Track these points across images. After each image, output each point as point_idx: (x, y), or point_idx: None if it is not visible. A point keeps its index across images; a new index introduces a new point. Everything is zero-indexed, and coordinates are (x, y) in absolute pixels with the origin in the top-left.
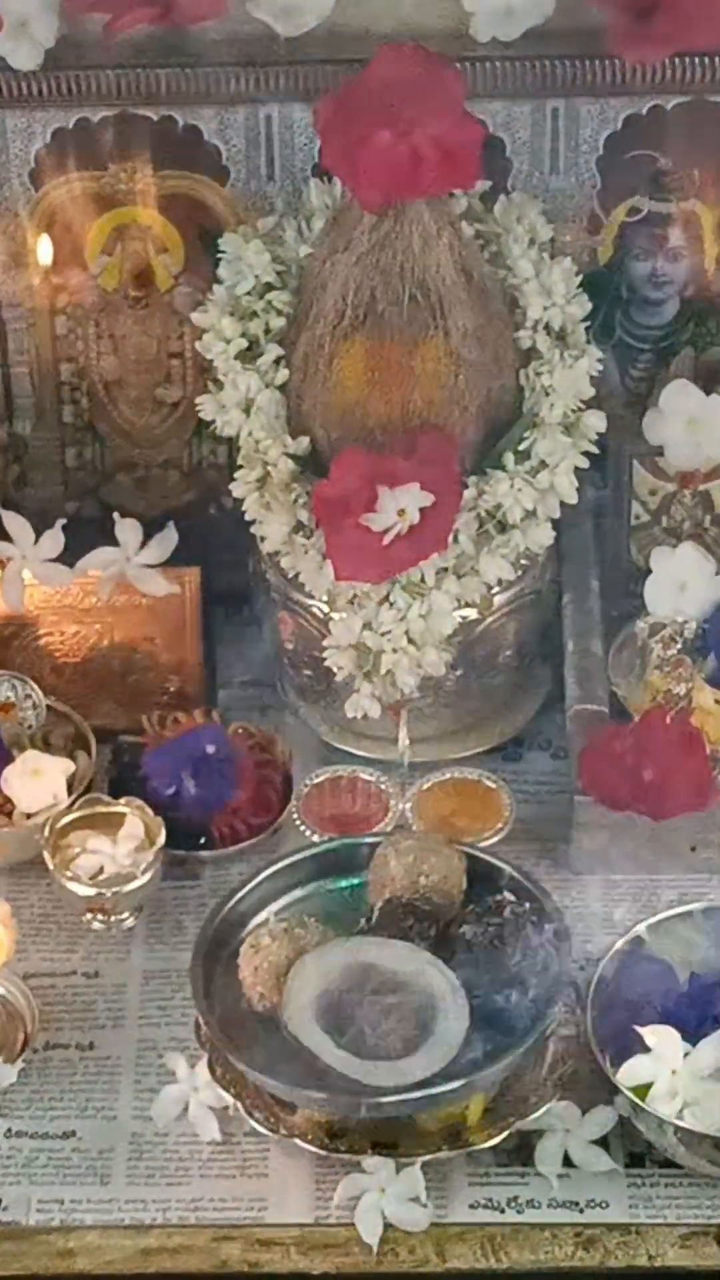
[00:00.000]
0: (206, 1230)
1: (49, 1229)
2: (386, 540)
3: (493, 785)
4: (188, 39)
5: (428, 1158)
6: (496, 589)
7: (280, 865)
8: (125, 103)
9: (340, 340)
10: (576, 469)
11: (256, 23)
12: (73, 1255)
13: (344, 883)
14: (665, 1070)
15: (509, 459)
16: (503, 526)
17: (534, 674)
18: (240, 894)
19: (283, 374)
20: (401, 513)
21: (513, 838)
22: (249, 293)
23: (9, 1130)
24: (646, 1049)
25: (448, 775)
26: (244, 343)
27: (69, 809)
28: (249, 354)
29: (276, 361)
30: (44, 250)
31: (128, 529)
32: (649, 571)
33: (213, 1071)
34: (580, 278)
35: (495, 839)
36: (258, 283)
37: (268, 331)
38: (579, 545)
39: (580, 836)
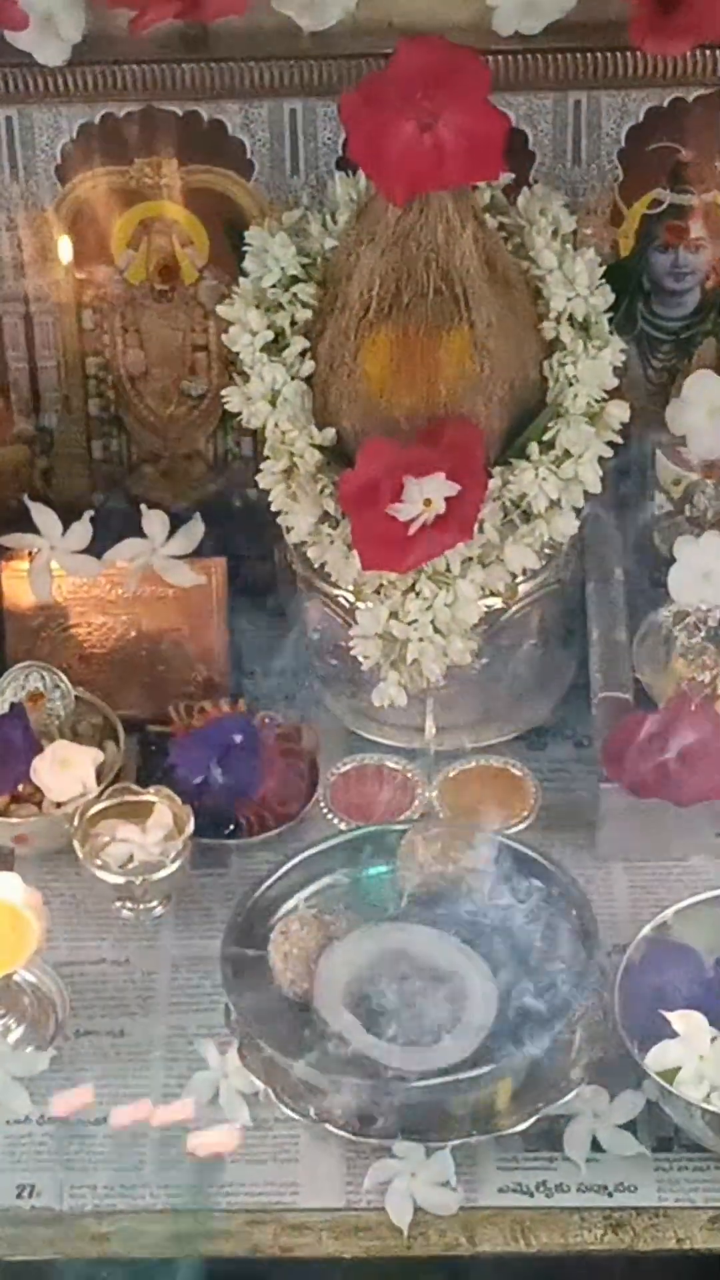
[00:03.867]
0: (238, 1215)
1: (83, 1214)
2: (412, 530)
3: (518, 773)
4: (212, 33)
5: (457, 1142)
6: (521, 578)
7: (310, 852)
8: (150, 97)
9: (366, 332)
10: (600, 459)
11: (280, 16)
12: (107, 1240)
13: (373, 870)
14: (693, 1055)
15: (533, 449)
16: (527, 516)
17: (557, 662)
18: (270, 881)
19: (308, 366)
20: (427, 502)
21: (538, 825)
22: (274, 285)
23: (42, 1116)
24: (674, 1034)
25: (473, 763)
26: (270, 335)
27: (98, 798)
28: (275, 346)
29: (302, 353)
30: (70, 245)
31: (155, 521)
32: (672, 560)
33: (243, 1057)
34: (603, 269)
35: (521, 826)
36: (283, 275)
37: (293, 324)
38: (602, 534)
39: (605, 824)
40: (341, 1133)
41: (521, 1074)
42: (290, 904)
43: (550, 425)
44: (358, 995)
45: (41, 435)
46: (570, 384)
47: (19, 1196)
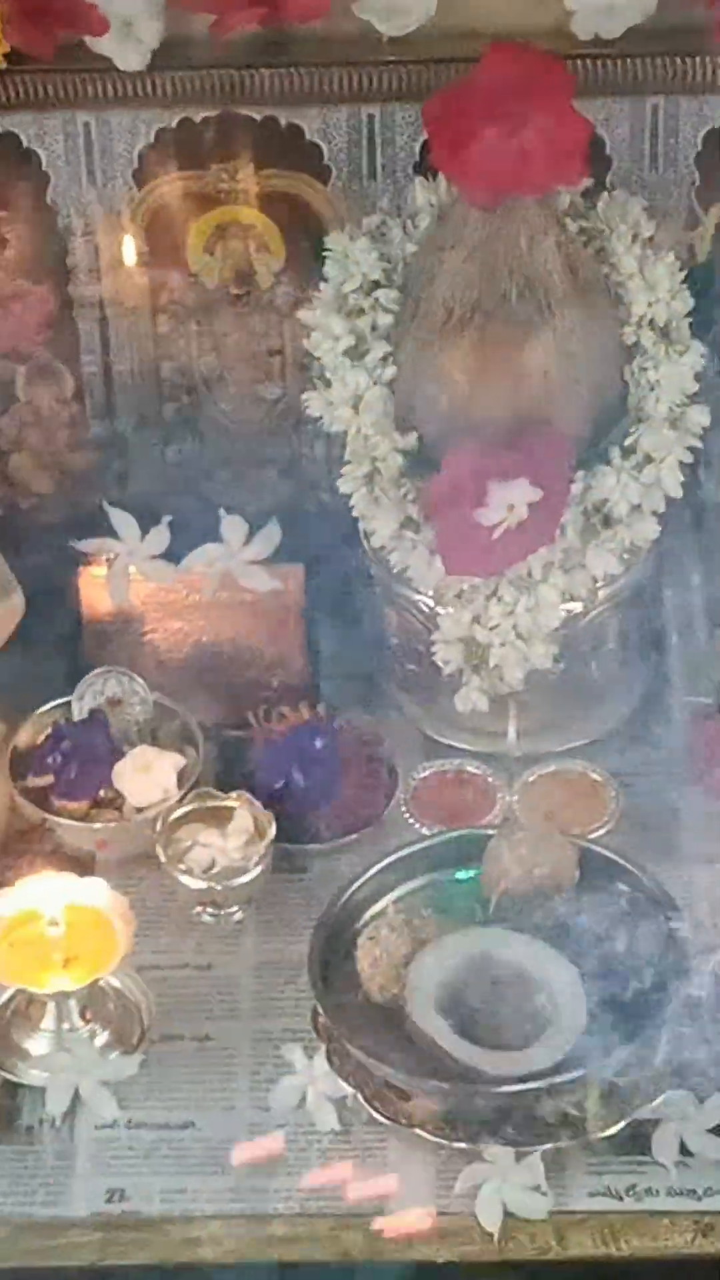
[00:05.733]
0: (327, 1219)
1: (172, 1219)
2: (496, 535)
3: (598, 778)
4: (291, 39)
5: (547, 1146)
6: (601, 583)
7: (397, 856)
8: (228, 102)
9: (448, 337)
10: (680, 463)
11: (360, 21)
12: (197, 1244)
13: (458, 875)
14: None
15: (615, 454)
16: (608, 520)
17: (637, 667)
18: (357, 884)
19: (390, 371)
20: (511, 507)
21: (618, 830)
22: (356, 290)
23: (130, 1120)
24: None
25: (553, 768)
26: (351, 340)
27: (180, 803)
28: (356, 351)
29: (384, 358)
30: (146, 249)
31: (233, 526)
32: None
33: (331, 1062)
34: (684, 274)
35: (601, 831)
36: (365, 280)
37: (374, 329)
38: (681, 538)
39: (689, 828)
40: (431, 1137)
41: (610, 1078)
42: (377, 907)
43: (631, 430)
44: (448, 1000)
45: (116, 440)
46: (651, 389)
47: (109, 1201)
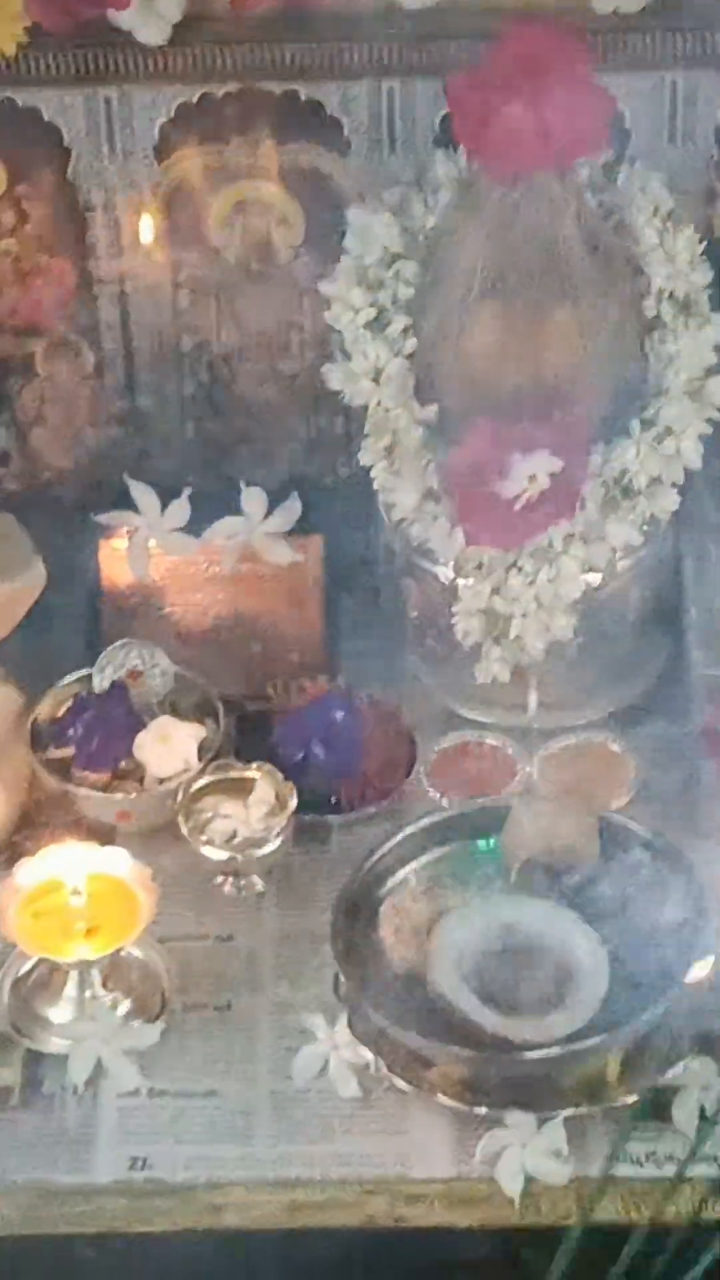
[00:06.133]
0: (352, 1185)
1: (196, 1186)
2: (517, 506)
3: (617, 749)
4: (311, 14)
5: (569, 1113)
6: (621, 554)
7: (417, 827)
8: (249, 77)
9: (469, 309)
10: (700, 435)
11: None
12: (222, 1211)
13: (479, 845)
14: None
15: (635, 426)
16: (628, 492)
17: (656, 639)
18: (379, 854)
19: (411, 343)
20: (532, 479)
21: (637, 801)
22: (377, 263)
23: (152, 1089)
24: None
25: (573, 740)
26: (372, 313)
27: (201, 774)
28: (377, 324)
29: (404, 331)
30: (166, 225)
31: (254, 498)
32: None
33: (353, 1029)
34: (704, 246)
35: (621, 802)
36: (386, 253)
37: (395, 301)
38: (700, 511)
39: (707, 800)
40: (452, 1104)
41: (631, 1045)
42: (399, 876)
43: (651, 402)
44: (470, 967)
45: (136, 415)
46: (671, 361)
47: (132, 1168)
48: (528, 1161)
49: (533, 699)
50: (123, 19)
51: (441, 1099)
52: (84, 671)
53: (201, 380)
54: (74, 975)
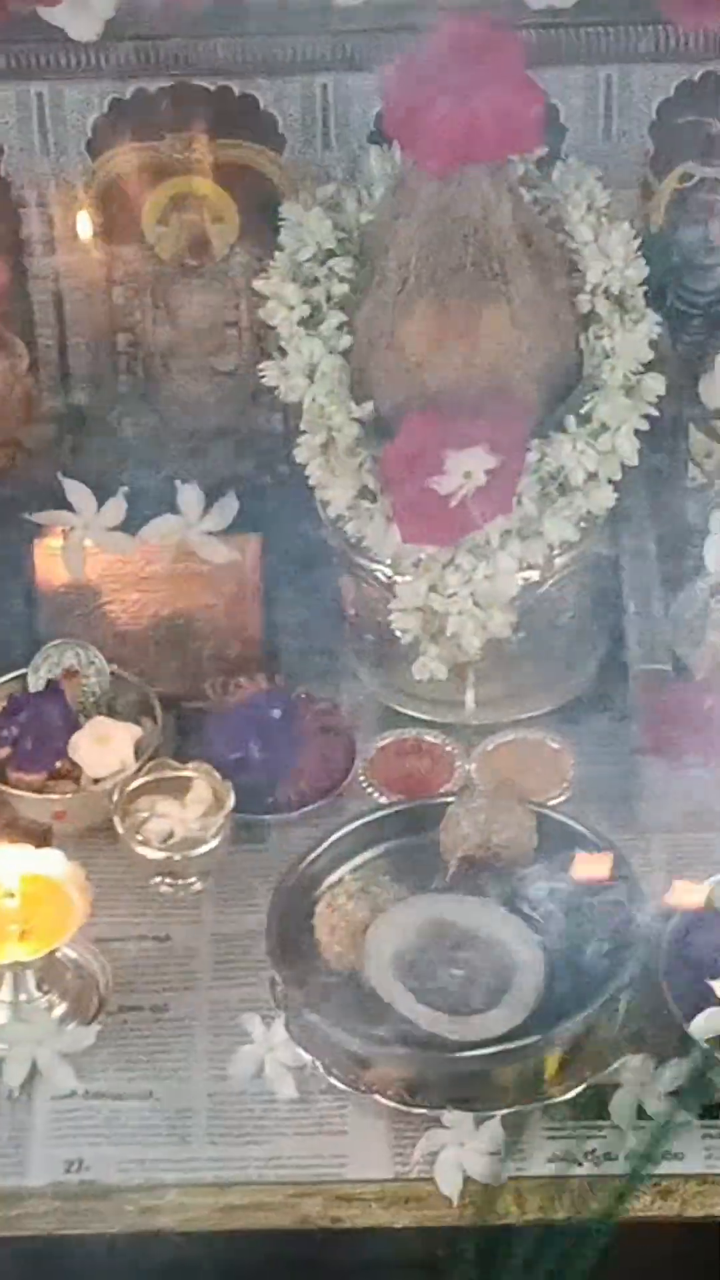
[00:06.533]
0: (287, 1186)
1: (131, 1188)
2: (453, 503)
3: (556, 746)
4: (245, 8)
5: (506, 1111)
6: (558, 551)
7: (354, 825)
8: (182, 73)
9: (403, 305)
10: (635, 432)
11: None
12: (156, 1213)
13: (416, 843)
14: None
15: (571, 422)
16: (565, 489)
17: (594, 635)
18: (315, 853)
19: (346, 339)
20: (467, 475)
21: (576, 798)
22: (310, 260)
23: (88, 1091)
24: (719, 1002)
25: (511, 737)
26: (307, 309)
27: (137, 774)
28: (311, 320)
29: (339, 327)
30: (101, 221)
31: (190, 497)
32: (707, 533)
33: (289, 1030)
34: (639, 242)
35: (560, 799)
36: (319, 249)
37: (329, 298)
38: (637, 508)
39: (644, 796)
40: (390, 1103)
41: (569, 1043)
42: (335, 876)
43: (587, 398)
44: (406, 966)
45: (72, 413)
46: (606, 356)
47: (68, 1171)
48: (466, 1161)
49: (470, 696)
50: (54, 15)
51: (379, 1099)
52: (19, 671)
53: (137, 377)
54: (8, 977)
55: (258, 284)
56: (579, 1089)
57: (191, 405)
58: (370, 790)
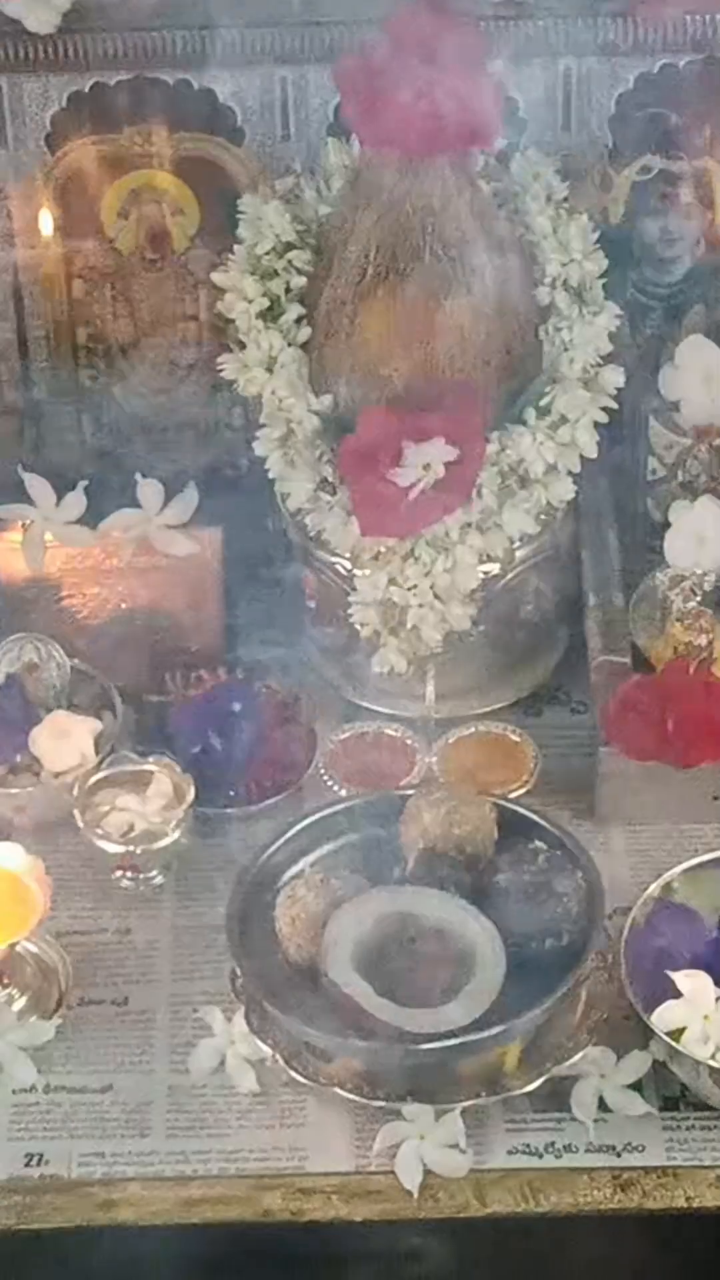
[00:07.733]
0: (247, 1180)
1: (91, 1181)
2: (412, 495)
3: (517, 739)
4: (203, 1)
5: (466, 1104)
6: (518, 544)
7: (314, 818)
8: (141, 66)
9: (362, 298)
10: (595, 424)
11: None
12: (115, 1207)
13: (376, 835)
14: (698, 1014)
15: (530, 414)
16: (525, 481)
17: (554, 628)
18: (275, 845)
19: (304, 332)
20: (426, 467)
21: (537, 790)
22: (269, 252)
23: (48, 1085)
24: (679, 994)
25: (472, 729)
26: (265, 302)
27: (97, 767)
28: (270, 313)
29: (298, 320)
30: (60, 214)
31: (150, 490)
32: (667, 526)
33: (249, 1023)
34: (598, 234)
35: (521, 791)
36: (278, 242)
37: (288, 290)
38: (597, 501)
39: (604, 787)
40: (350, 1096)
41: (529, 1035)
42: (295, 869)
43: (547, 390)
44: (366, 958)
45: (31, 406)
46: (566, 349)
47: (27, 1165)
48: (425, 1154)
49: (430, 689)
50: (11, 7)
51: (339, 1092)
52: None
53: (98, 370)
54: None
55: (216, 277)
56: (539, 1081)
57: (151, 398)
58: (331, 783)
